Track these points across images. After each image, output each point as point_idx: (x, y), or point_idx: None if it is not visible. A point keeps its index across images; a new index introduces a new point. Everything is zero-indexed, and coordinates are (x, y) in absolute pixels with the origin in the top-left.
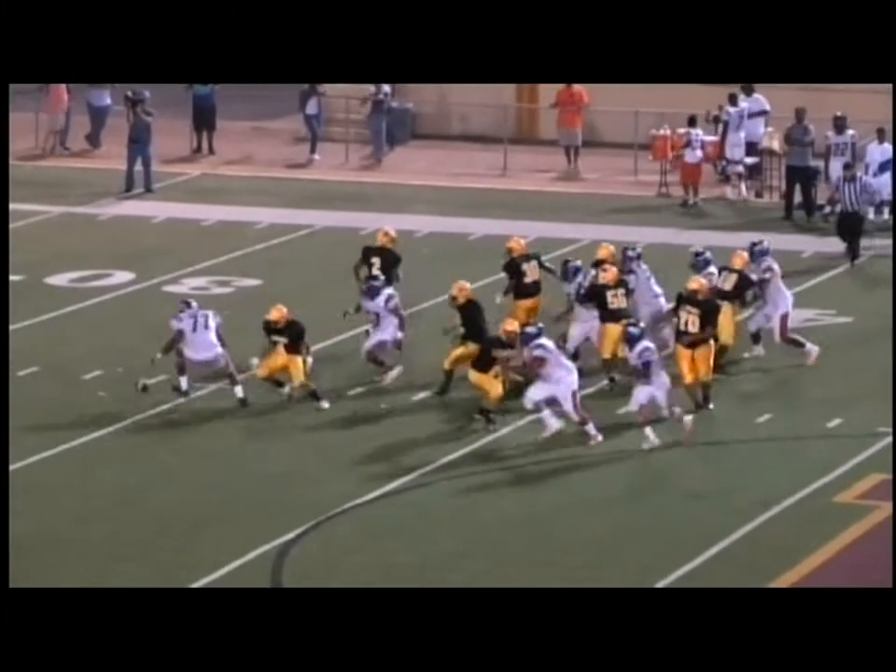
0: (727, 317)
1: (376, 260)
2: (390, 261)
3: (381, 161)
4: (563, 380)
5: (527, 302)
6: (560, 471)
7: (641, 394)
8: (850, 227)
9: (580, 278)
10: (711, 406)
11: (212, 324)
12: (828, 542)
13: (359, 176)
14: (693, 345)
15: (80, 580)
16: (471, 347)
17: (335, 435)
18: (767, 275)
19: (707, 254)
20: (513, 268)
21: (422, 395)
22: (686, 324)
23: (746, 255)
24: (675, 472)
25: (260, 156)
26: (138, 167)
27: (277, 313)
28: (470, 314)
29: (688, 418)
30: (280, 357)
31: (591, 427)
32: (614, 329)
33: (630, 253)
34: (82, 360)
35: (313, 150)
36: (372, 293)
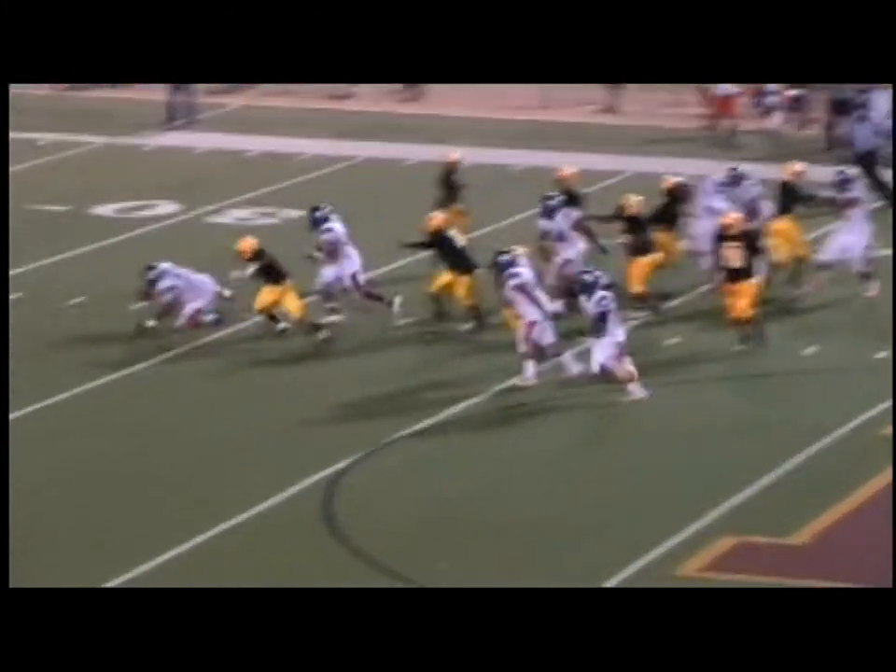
0: (793, 231)
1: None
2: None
3: (423, 92)
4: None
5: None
6: (607, 406)
7: (599, 352)
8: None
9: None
10: (762, 340)
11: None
12: (875, 476)
13: (401, 108)
14: (735, 280)
15: (135, 514)
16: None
17: (383, 365)
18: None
19: (740, 168)
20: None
21: (466, 326)
22: (727, 259)
23: (797, 167)
24: (722, 406)
25: (303, 87)
26: (181, 98)
27: (244, 244)
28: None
29: (633, 388)
30: (267, 292)
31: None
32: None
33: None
34: (129, 291)
35: None
36: (549, 212)
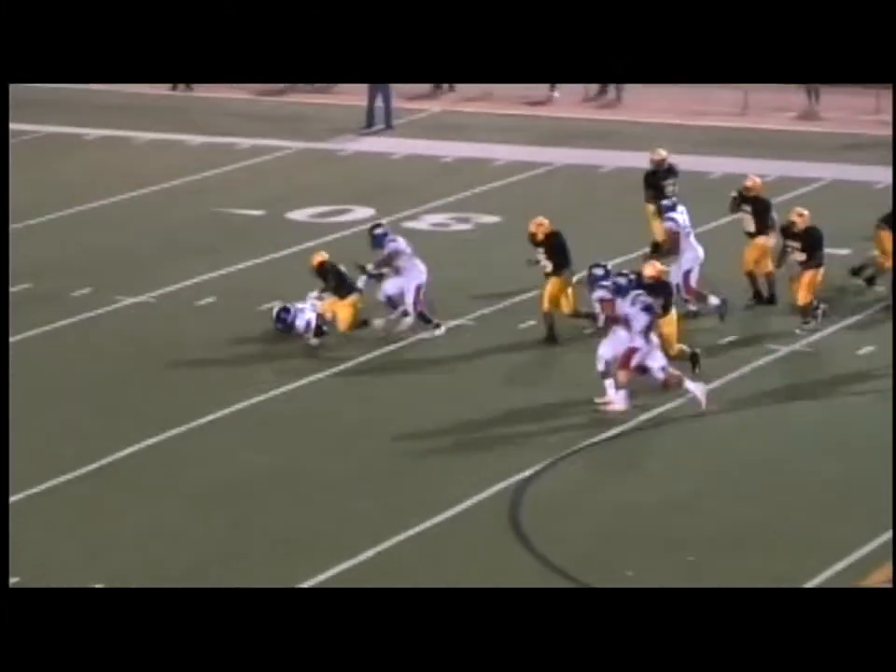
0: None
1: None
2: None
3: (620, 98)
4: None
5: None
6: (797, 414)
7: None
8: None
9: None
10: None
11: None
12: None
13: (599, 114)
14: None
15: (319, 517)
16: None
17: (572, 370)
18: None
19: None
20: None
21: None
22: (793, 257)
23: None
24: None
25: (500, 93)
26: (379, 103)
27: (317, 257)
28: (555, 246)
29: (617, 396)
30: (328, 302)
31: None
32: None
33: None
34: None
35: (553, 87)
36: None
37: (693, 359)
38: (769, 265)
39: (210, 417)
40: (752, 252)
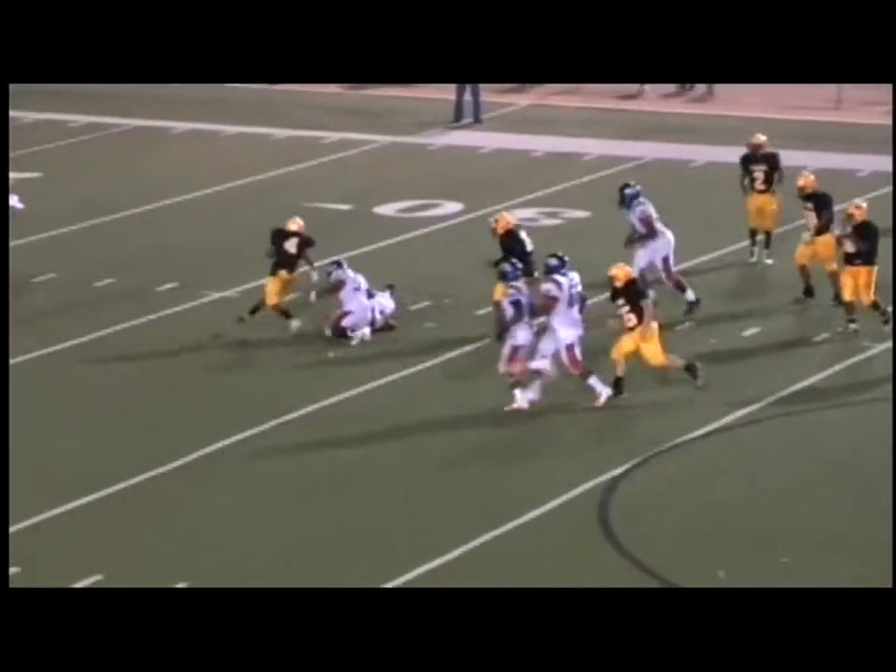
0: None
1: None
2: None
3: (712, 92)
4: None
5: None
6: (890, 413)
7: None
8: None
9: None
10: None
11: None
12: None
13: (689, 108)
14: (851, 265)
15: (404, 515)
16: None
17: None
18: None
19: None
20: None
21: (752, 330)
22: (843, 248)
23: None
24: None
25: (590, 86)
26: (467, 97)
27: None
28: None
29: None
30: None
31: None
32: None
33: None
34: (410, 291)
35: None
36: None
37: (690, 370)
38: (833, 264)
39: (294, 414)
40: (809, 248)
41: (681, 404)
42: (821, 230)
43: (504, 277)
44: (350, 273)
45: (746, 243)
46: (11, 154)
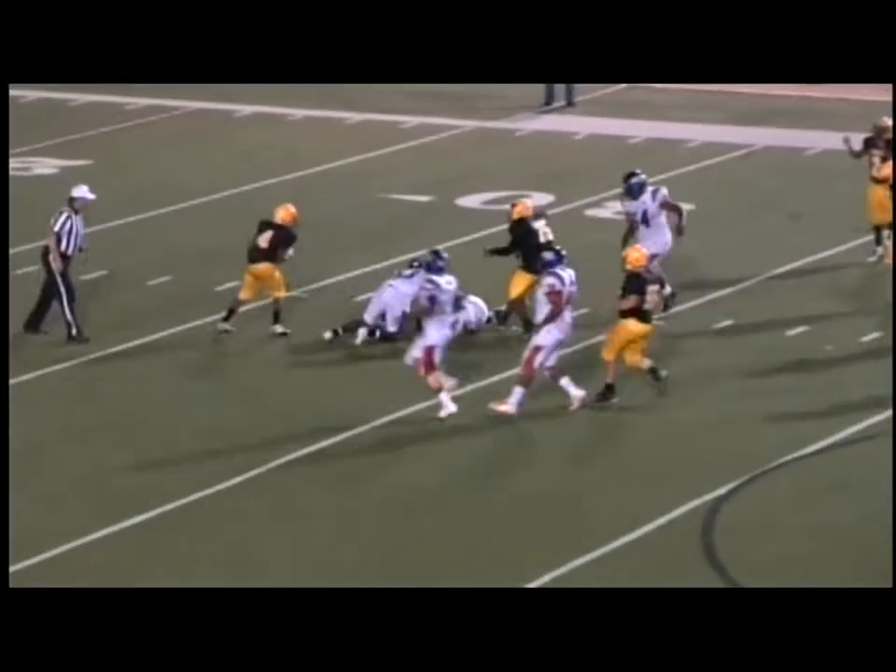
0: None
1: None
2: None
3: None
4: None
5: None
6: None
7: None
8: None
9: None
10: None
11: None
12: None
13: (805, 90)
14: None
15: (501, 534)
16: None
17: (767, 379)
18: None
19: None
20: None
21: (871, 336)
22: None
23: None
24: None
25: None
26: None
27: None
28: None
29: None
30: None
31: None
32: None
33: None
34: (494, 290)
35: None
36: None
37: (654, 374)
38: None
39: (385, 419)
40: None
41: (791, 417)
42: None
43: (546, 265)
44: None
45: (866, 239)
46: (59, 139)
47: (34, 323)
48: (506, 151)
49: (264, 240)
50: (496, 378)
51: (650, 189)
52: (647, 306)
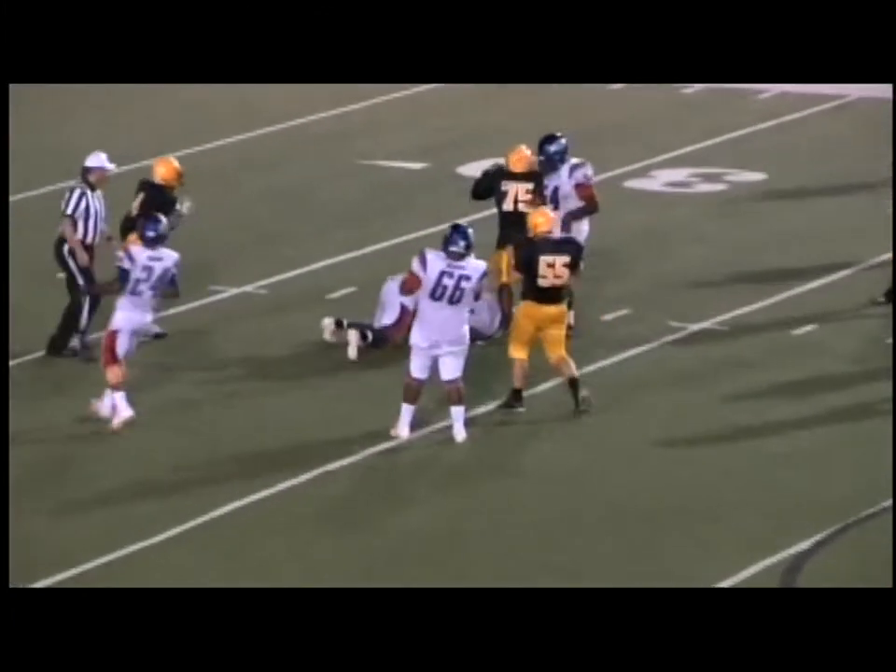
0: None
1: None
2: None
3: None
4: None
5: None
6: None
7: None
8: None
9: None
10: None
11: None
12: None
13: None
14: None
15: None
16: None
17: (867, 400)
18: None
19: None
20: None
21: None
22: None
23: None
24: None
25: None
26: None
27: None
28: None
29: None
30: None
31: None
32: None
33: None
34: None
35: None
36: None
37: (573, 387)
38: None
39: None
40: None
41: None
42: None
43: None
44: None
45: None
46: None
47: (63, 340)
48: (521, 105)
49: (136, 205)
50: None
51: (570, 161)
52: (543, 282)
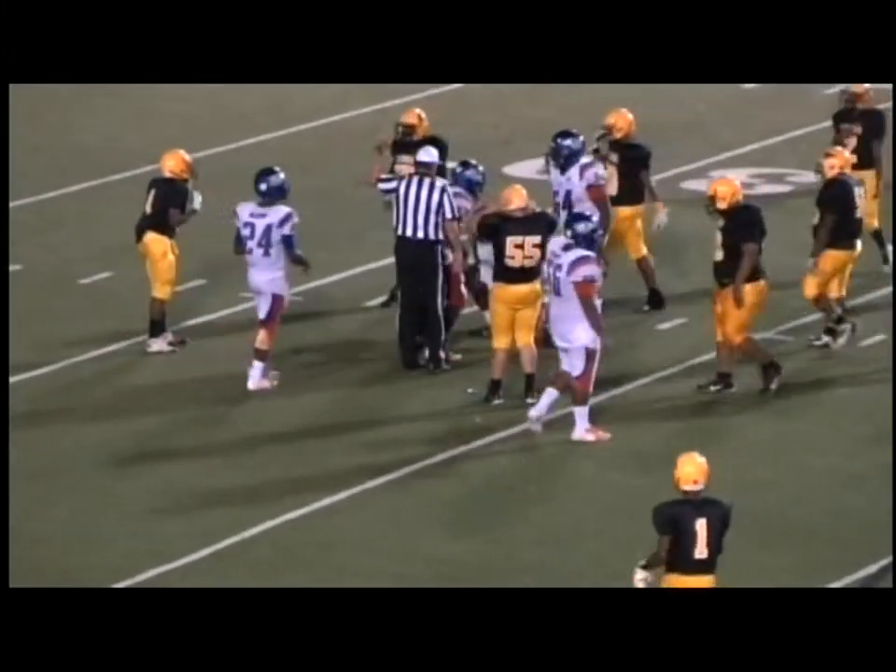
0: None
1: None
2: None
3: None
4: None
5: None
6: None
7: None
8: None
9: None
10: None
11: None
12: None
13: None
14: None
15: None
16: None
17: None
18: None
19: None
20: None
21: None
22: None
23: None
24: None
25: None
26: None
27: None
28: None
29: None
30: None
31: None
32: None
33: None
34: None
35: None
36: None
37: (528, 381)
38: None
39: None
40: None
41: None
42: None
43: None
44: None
45: None
46: None
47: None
48: (568, 100)
49: (149, 203)
50: None
51: (581, 161)
52: (511, 262)
